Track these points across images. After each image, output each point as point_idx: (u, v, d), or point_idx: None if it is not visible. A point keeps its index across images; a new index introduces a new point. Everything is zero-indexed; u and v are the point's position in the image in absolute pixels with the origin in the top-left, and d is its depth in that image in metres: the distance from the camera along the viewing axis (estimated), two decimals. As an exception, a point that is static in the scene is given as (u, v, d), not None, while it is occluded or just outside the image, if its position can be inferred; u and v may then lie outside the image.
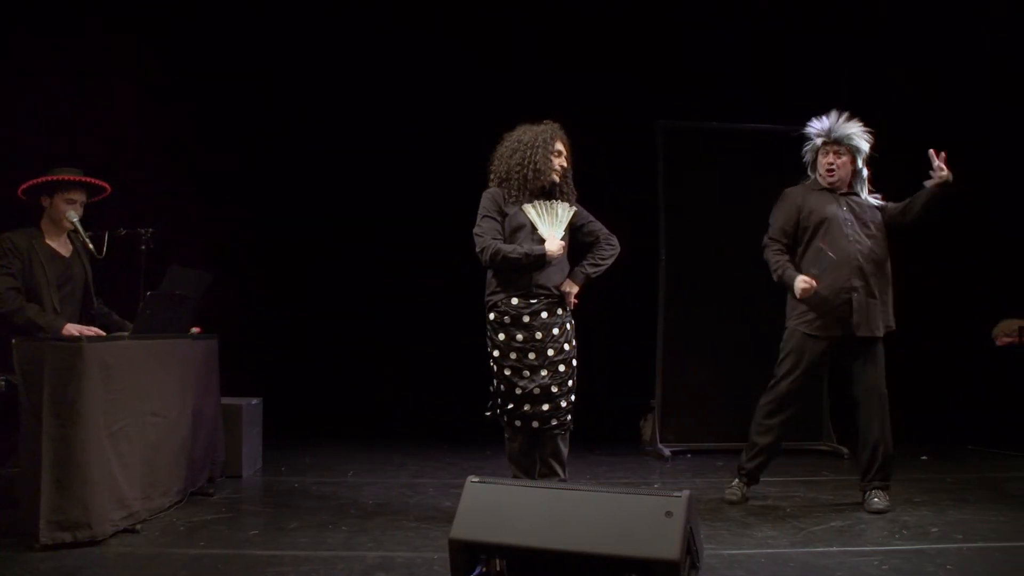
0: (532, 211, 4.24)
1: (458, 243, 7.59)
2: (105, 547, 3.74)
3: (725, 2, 7.24)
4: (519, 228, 4.26)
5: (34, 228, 4.62)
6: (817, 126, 4.78)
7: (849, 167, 4.72)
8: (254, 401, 5.80)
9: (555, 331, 4.22)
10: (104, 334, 4.42)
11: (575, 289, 4.34)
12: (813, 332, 4.68)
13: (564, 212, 4.26)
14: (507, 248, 4.18)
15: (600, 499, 3.06)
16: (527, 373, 4.16)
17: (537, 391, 4.15)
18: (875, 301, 4.62)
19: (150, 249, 4.77)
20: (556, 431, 4.22)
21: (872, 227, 4.68)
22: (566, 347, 4.26)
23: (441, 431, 7.22)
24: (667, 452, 6.28)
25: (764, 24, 7.26)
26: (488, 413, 4.35)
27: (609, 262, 4.45)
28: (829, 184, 4.74)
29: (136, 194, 5.96)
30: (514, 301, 4.20)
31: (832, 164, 4.71)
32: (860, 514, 4.48)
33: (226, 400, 5.43)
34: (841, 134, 4.70)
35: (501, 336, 4.20)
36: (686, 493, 2.98)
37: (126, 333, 4.40)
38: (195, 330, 4.99)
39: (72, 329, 4.32)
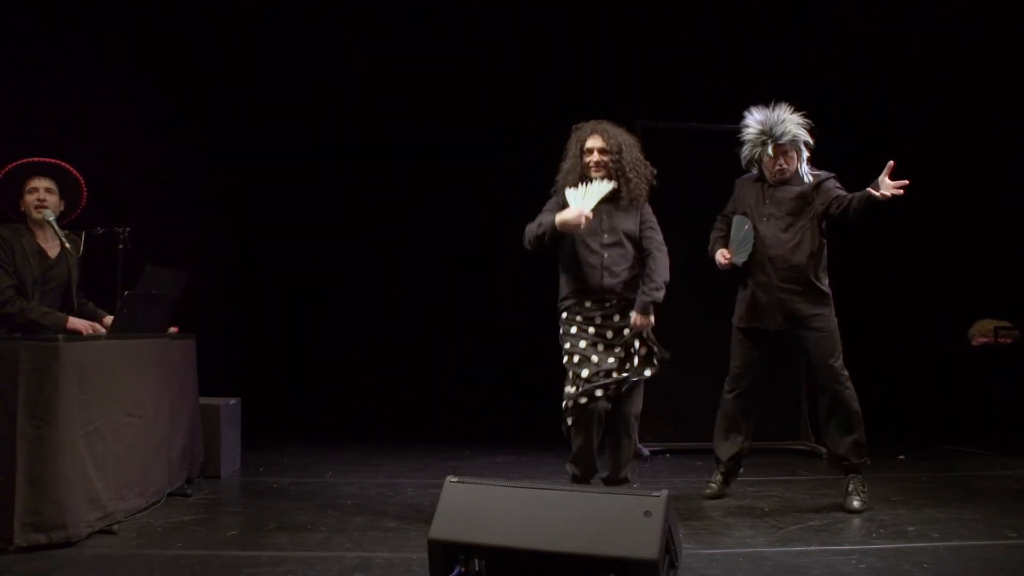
0: (572, 192, 4.21)
1: (440, 243, 7.57)
2: (80, 548, 3.71)
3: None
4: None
5: (21, 224, 4.62)
6: (755, 126, 4.72)
7: (796, 159, 4.72)
8: (232, 401, 5.77)
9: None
10: (104, 331, 4.47)
11: (646, 322, 4.29)
12: (739, 324, 4.83)
13: (599, 187, 4.19)
14: (531, 226, 4.26)
15: (579, 499, 3.06)
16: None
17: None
18: (785, 296, 4.62)
19: (128, 248, 4.74)
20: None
21: (793, 219, 4.66)
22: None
23: (420, 431, 7.21)
24: (646, 452, 6.29)
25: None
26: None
27: (661, 274, 4.36)
28: (780, 179, 4.72)
29: (113, 193, 5.91)
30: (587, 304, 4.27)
31: (783, 166, 4.69)
32: (837, 513, 4.51)
33: (204, 400, 5.40)
34: (784, 132, 4.64)
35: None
36: (664, 493, 2.99)
37: (103, 332, 4.38)
38: (173, 330, 4.96)
39: (77, 324, 4.34)
